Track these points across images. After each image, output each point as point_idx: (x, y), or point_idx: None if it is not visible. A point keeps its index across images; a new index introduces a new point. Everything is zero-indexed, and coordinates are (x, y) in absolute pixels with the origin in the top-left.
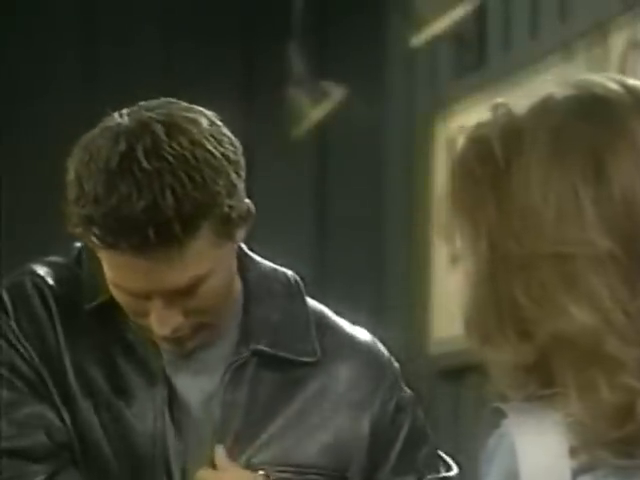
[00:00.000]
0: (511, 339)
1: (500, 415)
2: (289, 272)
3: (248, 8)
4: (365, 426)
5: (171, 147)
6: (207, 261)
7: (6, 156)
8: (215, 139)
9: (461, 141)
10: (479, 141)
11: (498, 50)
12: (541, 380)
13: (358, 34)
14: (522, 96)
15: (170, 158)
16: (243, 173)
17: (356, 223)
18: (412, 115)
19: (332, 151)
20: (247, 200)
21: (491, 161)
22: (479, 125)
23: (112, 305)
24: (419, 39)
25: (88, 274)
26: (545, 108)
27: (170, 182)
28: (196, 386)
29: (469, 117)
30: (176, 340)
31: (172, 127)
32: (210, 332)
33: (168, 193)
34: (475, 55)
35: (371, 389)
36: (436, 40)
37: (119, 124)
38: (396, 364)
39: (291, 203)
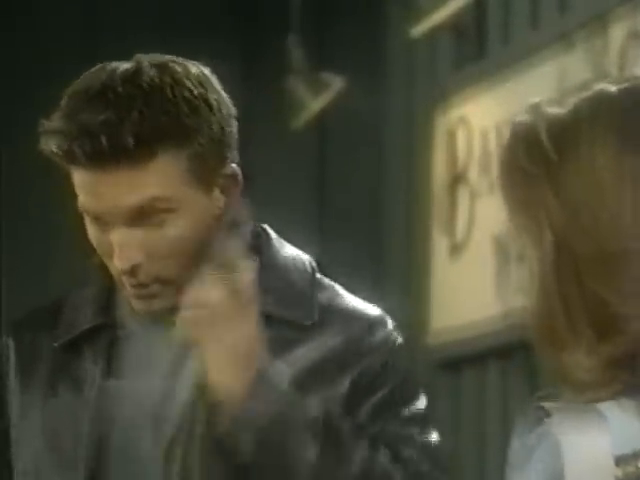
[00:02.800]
0: (589, 339)
1: (542, 414)
2: (306, 256)
3: (247, 0)
4: (345, 387)
5: (150, 79)
6: (170, 190)
7: (5, 156)
8: (199, 83)
9: (507, 138)
10: (526, 137)
11: (498, 41)
12: (623, 376)
13: (357, 25)
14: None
15: (146, 86)
16: (230, 130)
17: (356, 214)
18: (412, 106)
19: (332, 142)
20: (234, 165)
21: (542, 156)
22: (521, 123)
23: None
24: (419, 30)
25: (70, 310)
26: (601, 98)
27: (140, 105)
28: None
29: (469, 108)
30: (143, 295)
31: (158, 65)
32: (172, 300)
33: (135, 113)
34: (475, 46)
35: (358, 355)
36: (436, 31)
37: (112, 63)
38: (399, 339)
39: (291, 194)
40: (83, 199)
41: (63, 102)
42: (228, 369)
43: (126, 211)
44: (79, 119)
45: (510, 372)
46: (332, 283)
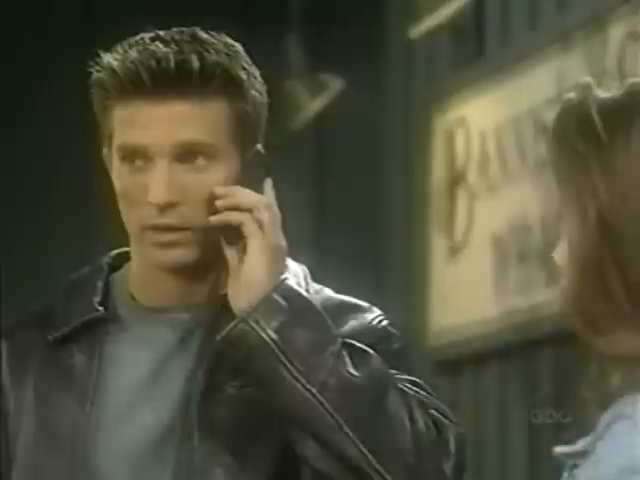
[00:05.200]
0: (631, 322)
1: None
2: (300, 266)
3: (245, 0)
4: None
5: (206, 34)
6: (216, 138)
7: (4, 156)
8: (252, 64)
9: (558, 112)
10: (578, 115)
11: (496, 42)
12: None
13: (356, 26)
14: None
15: (204, 37)
16: (265, 107)
17: (355, 215)
18: (411, 106)
19: (331, 143)
20: (260, 146)
21: (592, 135)
22: (572, 99)
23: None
24: (417, 31)
25: (64, 306)
26: None
27: (200, 48)
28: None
29: (468, 109)
30: (167, 242)
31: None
32: (192, 254)
33: (198, 49)
34: (474, 46)
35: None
36: (434, 32)
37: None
38: (390, 328)
39: (290, 195)
40: (129, 133)
41: (118, 47)
42: (268, 267)
43: (174, 146)
44: (144, 49)
45: (509, 372)
46: (323, 287)
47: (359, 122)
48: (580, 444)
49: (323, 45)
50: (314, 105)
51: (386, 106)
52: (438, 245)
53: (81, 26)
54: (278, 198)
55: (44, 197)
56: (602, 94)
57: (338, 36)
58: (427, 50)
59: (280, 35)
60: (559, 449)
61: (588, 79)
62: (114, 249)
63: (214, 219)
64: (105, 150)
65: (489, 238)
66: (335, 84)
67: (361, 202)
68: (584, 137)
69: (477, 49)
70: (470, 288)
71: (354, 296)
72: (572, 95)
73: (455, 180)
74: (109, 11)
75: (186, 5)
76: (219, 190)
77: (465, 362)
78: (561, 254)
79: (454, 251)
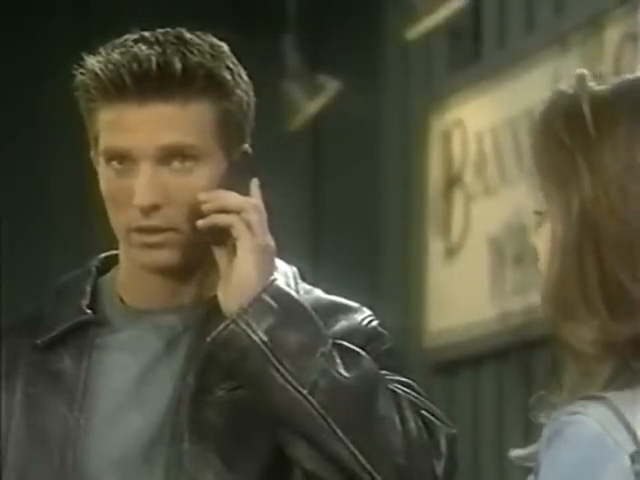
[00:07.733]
0: (601, 315)
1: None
2: (290, 267)
3: (242, 1)
4: None
5: (190, 34)
6: (200, 140)
7: (3, 156)
8: (237, 64)
9: (547, 104)
10: (568, 109)
11: (493, 44)
12: (628, 355)
13: (354, 27)
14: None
15: (188, 38)
16: (251, 107)
17: (351, 217)
18: (408, 108)
19: (328, 145)
20: (248, 146)
21: (581, 130)
22: (564, 92)
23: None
24: (415, 32)
25: (52, 311)
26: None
27: (184, 48)
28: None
29: (464, 111)
30: (152, 243)
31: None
32: (178, 256)
33: (181, 50)
34: (470, 48)
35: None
36: (432, 33)
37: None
38: (380, 329)
39: (286, 197)
40: (113, 137)
41: (101, 50)
42: (258, 267)
43: (158, 148)
44: (126, 51)
45: (505, 374)
46: (313, 288)
47: (356, 123)
48: (531, 448)
49: (320, 46)
50: (311, 106)
51: (383, 107)
52: (435, 246)
53: (77, 26)
54: (275, 198)
55: (43, 197)
56: (595, 87)
57: (335, 37)
58: (424, 52)
59: (277, 37)
60: (513, 452)
61: (584, 71)
62: (111, 250)
63: (201, 223)
64: (92, 152)
65: (485, 239)
66: (332, 85)
67: (358, 203)
68: (572, 130)
69: (474, 51)
70: (467, 290)
71: (351, 297)
72: (565, 87)
73: (452, 181)
74: (106, 12)
75: (182, 7)
76: (202, 196)
77: (462, 363)
78: (543, 239)
79: (451, 252)
